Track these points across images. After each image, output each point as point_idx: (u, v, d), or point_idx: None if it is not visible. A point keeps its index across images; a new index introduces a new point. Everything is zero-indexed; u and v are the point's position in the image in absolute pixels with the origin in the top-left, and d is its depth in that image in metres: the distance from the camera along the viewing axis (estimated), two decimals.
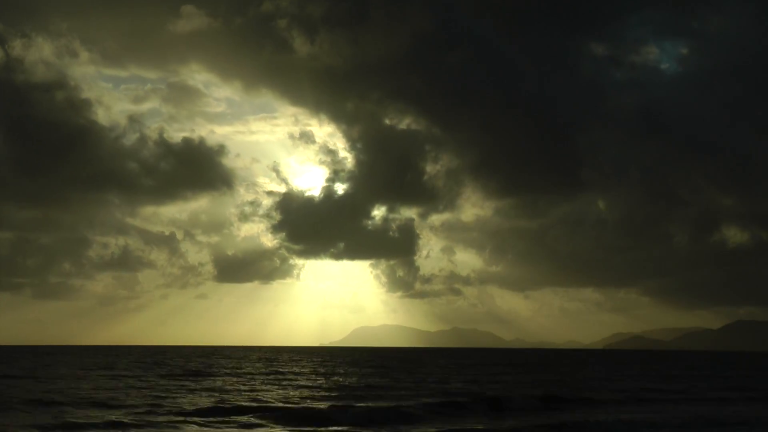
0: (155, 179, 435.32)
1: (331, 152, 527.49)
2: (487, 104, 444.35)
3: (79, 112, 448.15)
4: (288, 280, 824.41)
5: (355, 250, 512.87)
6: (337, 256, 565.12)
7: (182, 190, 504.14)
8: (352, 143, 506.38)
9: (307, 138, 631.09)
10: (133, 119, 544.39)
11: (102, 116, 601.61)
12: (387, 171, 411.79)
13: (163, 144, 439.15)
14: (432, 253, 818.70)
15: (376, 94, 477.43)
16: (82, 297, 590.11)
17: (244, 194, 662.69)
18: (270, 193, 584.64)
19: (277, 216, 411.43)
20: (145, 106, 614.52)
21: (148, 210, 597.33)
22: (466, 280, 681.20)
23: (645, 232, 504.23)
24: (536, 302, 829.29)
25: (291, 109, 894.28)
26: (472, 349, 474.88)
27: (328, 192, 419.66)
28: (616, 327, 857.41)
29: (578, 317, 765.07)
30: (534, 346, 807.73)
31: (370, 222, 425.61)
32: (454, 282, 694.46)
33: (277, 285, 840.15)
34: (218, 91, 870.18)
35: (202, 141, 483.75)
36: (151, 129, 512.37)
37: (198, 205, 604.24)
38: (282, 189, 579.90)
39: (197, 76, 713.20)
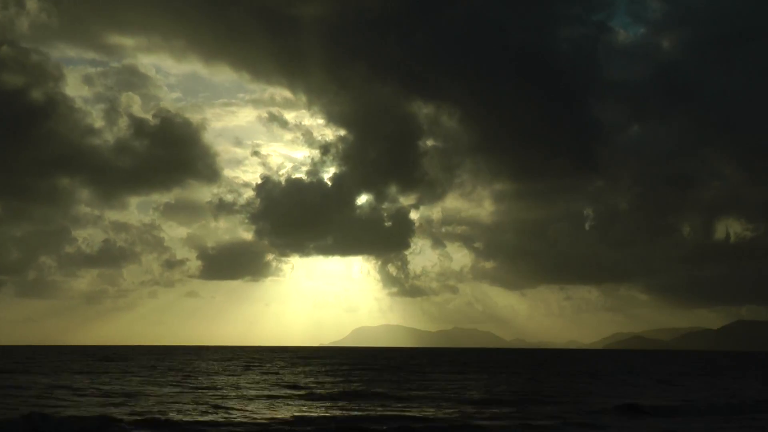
0: (131, 168, 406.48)
1: (312, 135, 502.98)
2: (482, 72, 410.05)
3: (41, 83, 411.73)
4: (280, 277, 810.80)
5: (345, 245, 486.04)
6: (326, 251, 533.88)
7: (161, 179, 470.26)
8: (336, 123, 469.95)
9: (283, 121, 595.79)
10: (101, 98, 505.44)
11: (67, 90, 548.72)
12: (377, 155, 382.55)
13: (136, 129, 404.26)
14: (426, 248, 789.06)
15: (361, 65, 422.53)
16: (62, 295, 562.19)
17: (225, 184, 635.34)
18: (248, 185, 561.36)
19: (262, 210, 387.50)
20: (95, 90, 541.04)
21: (125, 200, 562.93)
22: (463, 278, 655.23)
23: (647, 226, 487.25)
24: (535, 302, 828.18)
25: (263, 87, 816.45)
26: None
27: (314, 181, 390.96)
28: (616, 327, 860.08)
29: (578, 317, 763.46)
30: (534, 346, 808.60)
31: (360, 214, 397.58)
32: (450, 280, 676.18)
33: (269, 282, 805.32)
34: (176, 70, 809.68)
35: (176, 126, 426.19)
36: (121, 108, 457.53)
37: (177, 195, 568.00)
38: (263, 180, 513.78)
39: (156, 48, 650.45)
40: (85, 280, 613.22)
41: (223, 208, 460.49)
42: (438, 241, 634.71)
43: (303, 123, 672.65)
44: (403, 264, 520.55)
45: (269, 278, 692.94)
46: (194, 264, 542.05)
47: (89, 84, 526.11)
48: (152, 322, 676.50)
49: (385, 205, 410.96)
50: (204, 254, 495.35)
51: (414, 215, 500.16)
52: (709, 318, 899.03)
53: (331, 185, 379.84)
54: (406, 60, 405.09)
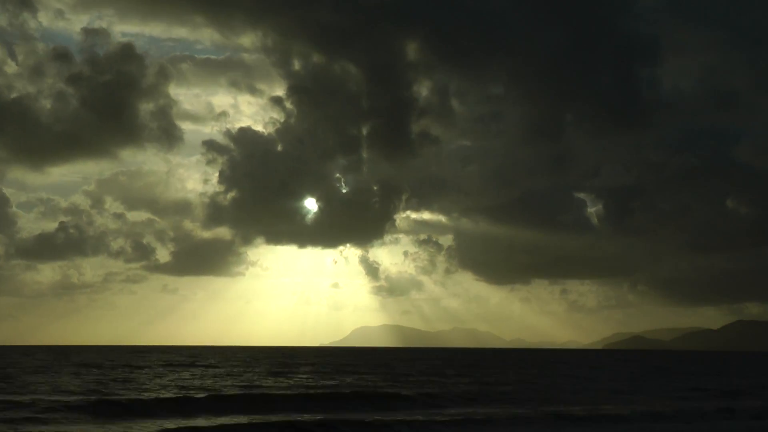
0: (74, 132, 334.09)
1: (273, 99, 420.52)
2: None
3: None
4: (271, 273, 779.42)
5: (323, 232, 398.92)
6: (302, 241, 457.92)
7: (99, 145, 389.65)
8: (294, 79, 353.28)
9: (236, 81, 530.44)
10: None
11: None
12: (349, 119, 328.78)
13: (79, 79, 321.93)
14: (412, 237, 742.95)
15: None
16: (26, 290, 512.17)
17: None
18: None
19: (224, 190, 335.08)
20: None
21: (57, 170, 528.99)
22: (454, 271, 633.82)
23: (656, 210, 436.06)
24: (535, 302, 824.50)
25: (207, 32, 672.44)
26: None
27: (278, 149, 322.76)
28: (616, 327, 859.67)
29: (578, 316, 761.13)
30: (534, 345, 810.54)
31: (341, 197, 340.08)
32: (438, 274, 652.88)
33: (249, 276, 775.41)
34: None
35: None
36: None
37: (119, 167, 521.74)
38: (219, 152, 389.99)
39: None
40: (47, 274, 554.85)
41: (180, 184, 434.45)
42: (423, 229, 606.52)
43: (242, 71, 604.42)
44: (388, 256, 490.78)
45: (250, 270, 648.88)
46: (163, 256, 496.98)
47: None
48: (127, 320, 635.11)
49: (364, 174, 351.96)
50: (171, 243, 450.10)
51: (395, 195, 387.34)
52: (710, 318, 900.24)
53: (298, 149, 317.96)
54: None
